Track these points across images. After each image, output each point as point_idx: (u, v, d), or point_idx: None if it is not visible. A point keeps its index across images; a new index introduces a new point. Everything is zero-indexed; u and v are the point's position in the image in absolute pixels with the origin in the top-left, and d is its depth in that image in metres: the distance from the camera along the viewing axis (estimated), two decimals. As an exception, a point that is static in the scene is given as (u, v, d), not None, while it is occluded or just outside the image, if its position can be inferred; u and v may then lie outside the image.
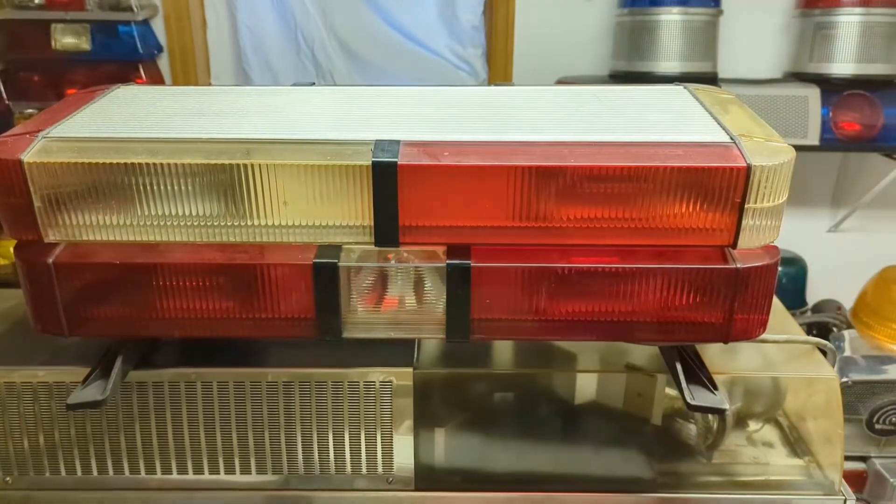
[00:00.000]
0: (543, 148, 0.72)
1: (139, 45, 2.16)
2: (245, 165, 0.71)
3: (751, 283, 0.74)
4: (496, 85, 0.91)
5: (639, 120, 0.79)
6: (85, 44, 2.17)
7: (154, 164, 0.71)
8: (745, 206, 0.71)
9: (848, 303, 2.07)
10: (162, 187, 0.72)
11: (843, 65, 2.03)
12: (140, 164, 0.71)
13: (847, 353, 1.92)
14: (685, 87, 0.88)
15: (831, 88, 2.04)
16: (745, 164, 0.69)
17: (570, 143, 0.72)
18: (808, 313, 2.36)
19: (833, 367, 0.89)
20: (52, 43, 2.17)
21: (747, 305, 0.75)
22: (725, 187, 0.70)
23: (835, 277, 2.36)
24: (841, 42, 2.02)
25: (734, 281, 0.73)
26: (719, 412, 0.76)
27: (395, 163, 0.70)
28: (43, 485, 0.88)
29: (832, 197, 2.42)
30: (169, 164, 0.71)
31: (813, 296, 2.37)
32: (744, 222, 0.71)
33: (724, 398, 0.76)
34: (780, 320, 0.94)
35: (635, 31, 2.08)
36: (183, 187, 0.72)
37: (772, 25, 2.16)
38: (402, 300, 0.76)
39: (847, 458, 1.89)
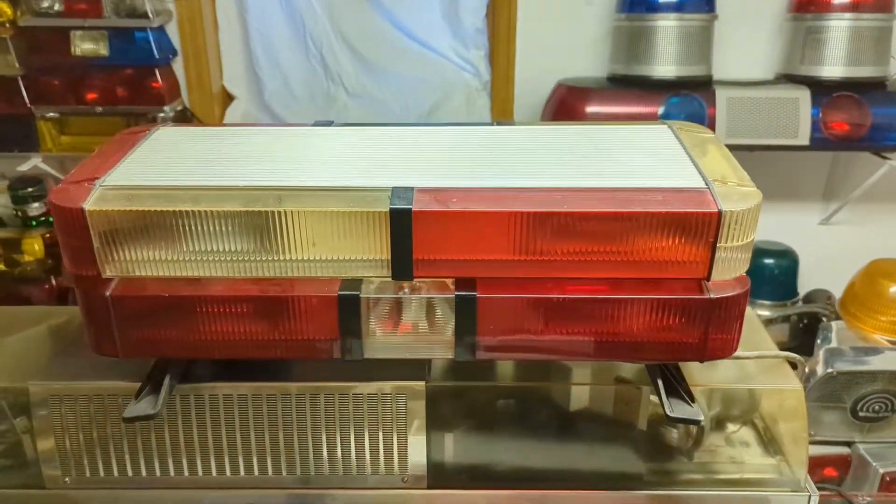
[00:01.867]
0: (540, 194, 0.82)
1: (155, 50, 2.24)
2: (277, 212, 0.81)
3: (723, 309, 0.84)
4: (499, 124, 1.01)
5: (625, 163, 0.88)
6: (103, 49, 2.26)
7: (197, 212, 0.81)
8: (717, 244, 0.80)
9: (839, 293, 2.16)
10: (203, 228, 0.82)
11: (833, 67, 2.11)
12: (185, 211, 0.81)
13: (834, 343, 2.02)
14: (669, 127, 0.98)
15: (821, 90, 2.12)
16: (716, 210, 0.79)
17: (563, 190, 0.82)
18: (800, 303, 2.46)
19: (801, 377, 0.99)
20: (72, 49, 2.25)
21: (720, 329, 0.85)
22: (700, 229, 0.80)
23: (826, 269, 2.45)
24: (831, 46, 2.09)
25: (708, 308, 0.83)
26: (695, 423, 0.86)
27: (410, 209, 0.80)
28: (97, 484, 0.99)
29: (823, 192, 2.50)
30: (210, 211, 0.81)
31: (805, 286, 2.47)
32: (716, 258, 0.81)
33: (700, 410, 0.86)
34: (755, 334, 1.04)
35: (633, 35, 2.15)
36: (222, 228, 0.82)
37: (764, 29, 2.23)
38: (416, 325, 0.87)
39: (833, 444, 2.01)
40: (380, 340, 0.87)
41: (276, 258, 0.84)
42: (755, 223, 0.82)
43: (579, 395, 0.99)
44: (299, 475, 0.98)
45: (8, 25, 2.28)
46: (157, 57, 2.26)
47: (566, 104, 2.17)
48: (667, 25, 2.10)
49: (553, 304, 0.84)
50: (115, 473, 0.98)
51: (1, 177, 2.40)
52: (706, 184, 0.82)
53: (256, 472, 0.98)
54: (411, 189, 0.82)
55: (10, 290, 2.38)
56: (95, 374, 0.95)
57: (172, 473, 0.98)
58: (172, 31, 2.34)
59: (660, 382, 0.89)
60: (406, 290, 0.85)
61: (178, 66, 2.38)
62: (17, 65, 2.31)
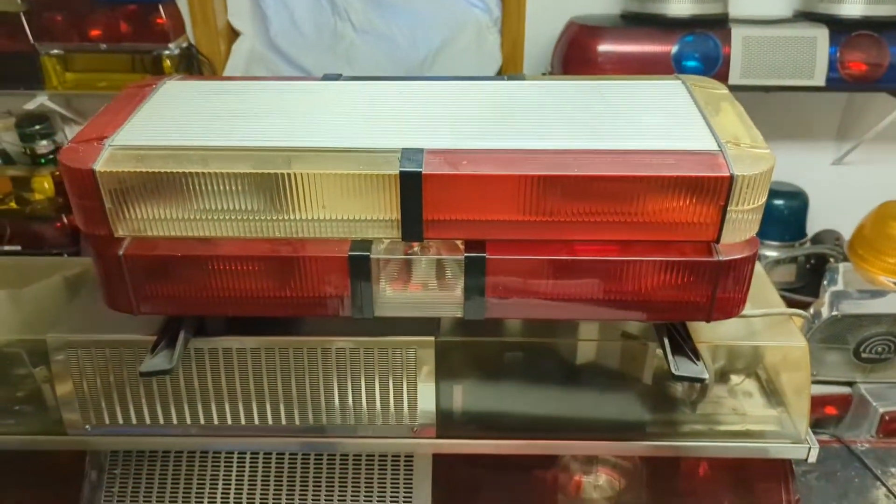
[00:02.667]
0: (551, 156, 0.81)
1: (157, -15, 2.19)
2: (287, 174, 0.81)
3: (731, 271, 0.84)
4: (510, 78, 0.99)
5: (637, 123, 0.87)
6: (106, -16, 2.20)
7: (207, 173, 0.81)
8: (728, 208, 0.80)
9: (849, 235, 2.15)
10: (213, 189, 0.83)
11: (852, 5, 2.05)
12: (195, 172, 0.81)
13: (840, 286, 2.03)
14: (683, 83, 0.96)
15: (840, 28, 2.06)
16: (728, 174, 0.78)
17: (574, 152, 0.82)
18: (808, 244, 2.46)
19: (806, 332, 1.00)
20: (75, -17, 2.20)
21: (727, 290, 0.85)
22: (711, 193, 0.80)
23: (836, 210, 2.44)
24: (852, -19, 2.03)
25: (717, 270, 0.84)
26: (700, 381, 0.88)
27: (420, 172, 0.79)
28: (116, 431, 1.02)
29: (837, 132, 2.47)
30: (220, 173, 0.81)
31: (815, 227, 2.46)
32: (726, 221, 0.81)
33: (705, 369, 0.88)
34: (763, 291, 1.04)
35: (648, -30, 2.09)
36: (232, 189, 0.83)
37: (784, -36, 2.16)
38: (426, 285, 0.87)
39: (834, 384, 2.04)
40: (390, 299, 0.88)
41: (286, 218, 0.84)
42: (767, 186, 0.81)
43: (586, 350, 1.01)
44: (312, 424, 1.01)
45: (8, -41, 2.22)
46: (161, -9, 2.20)
47: (578, 43, 2.12)
48: (683, -40, 2.03)
49: (563, 264, 0.85)
50: (134, 421, 1.01)
51: (7, 114, 2.39)
52: (719, 146, 0.82)
53: (270, 421, 1.01)
54: (421, 150, 0.82)
55: (22, 229, 2.40)
56: (111, 325, 0.97)
57: (189, 422, 1.01)
58: (175, -36, 2.28)
59: (666, 342, 0.90)
60: (416, 250, 0.86)
61: (182, 2, 2.32)
62: (19, 1, 2.27)
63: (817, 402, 2.05)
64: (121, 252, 0.85)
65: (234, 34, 2.37)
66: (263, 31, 2.32)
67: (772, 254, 2.40)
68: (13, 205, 2.40)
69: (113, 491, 1.05)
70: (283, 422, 1.01)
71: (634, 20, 2.13)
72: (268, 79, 1.09)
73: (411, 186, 0.80)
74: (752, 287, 0.90)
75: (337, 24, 2.29)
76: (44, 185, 2.40)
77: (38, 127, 2.35)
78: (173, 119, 0.89)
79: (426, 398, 0.99)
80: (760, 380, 1.08)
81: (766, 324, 1.01)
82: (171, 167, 0.81)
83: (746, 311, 0.93)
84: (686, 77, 0.98)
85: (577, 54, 2.12)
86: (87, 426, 1.02)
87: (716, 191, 0.79)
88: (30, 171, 2.37)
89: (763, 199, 0.82)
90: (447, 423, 1.01)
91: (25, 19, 2.24)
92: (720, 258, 0.83)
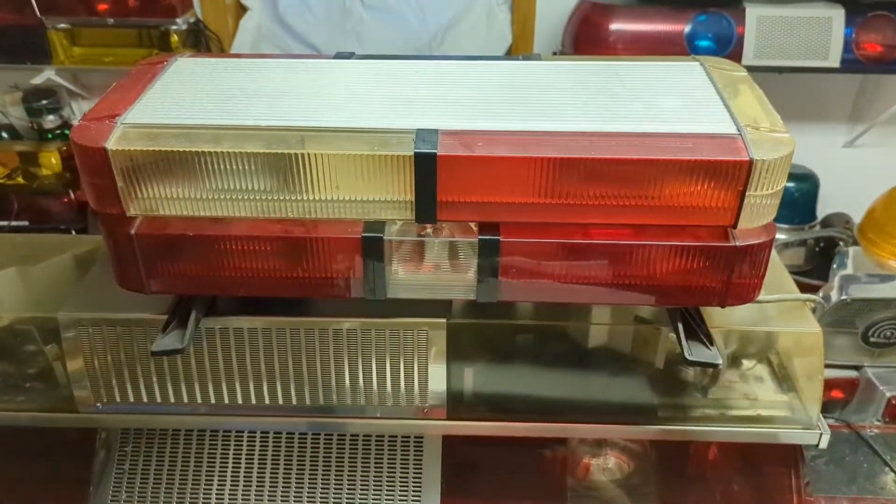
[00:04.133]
0: (567, 138, 0.80)
1: (167, -41, 2.17)
2: (301, 154, 0.80)
3: (748, 257, 0.83)
4: (524, 58, 0.98)
5: (654, 105, 0.86)
6: (113, -42, 2.18)
7: (219, 153, 0.80)
8: (747, 192, 0.79)
9: (859, 218, 2.13)
10: (225, 168, 0.82)
11: (869, -15, 2.02)
12: (207, 151, 0.80)
13: (849, 269, 2.02)
14: (701, 64, 0.95)
15: (856, 8, 2.03)
16: (748, 159, 0.77)
17: (590, 134, 0.80)
18: (817, 227, 2.44)
19: (819, 319, 1.00)
20: (81, -43, 2.18)
21: (743, 276, 0.85)
22: (730, 177, 0.79)
23: (847, 193, 2.42)
24: (870, -39, 1.99)
25: (733, 256, 0.83)
26: (714, 366, 0.87)
27: (435, 154, 0.79)
28: (126, 408, 1.02)
29: (850, 114, 2.44)
30: (232, 153, 0.80)
31: (825, 210, 2.45)
32: (744, 206, 0.80)
33: (718, 354, 0.87)
34: (778, 276, 1.03)
35: (663, -52, 2.06)
36: (244, 168, 0.82)
37: (801, -58, 2.12)
38: (439, 267, 0.87)
39: (842, 367, 2.04)
40: (402, 281, 0.88)
41: (299, 198, 0.83)
42: (786, 171, 0.80)
43: (598, 334, 1.00)
44: (322, 404, 1.01)
45: (14, -70, 2.20)
46: (171, -35, 2.18)
47: (590, 21, 2.10)
48: (698, -62, 2.00)
49: (577, 248, 0.84)
50: (145, 399, 1.01)
51: (14, 88, 2.38)
52: (738, 130, 0.80)
53: (280, 401, 1.01)
54: (436, 132, 0.81)
55: (29, 204, 2.40)
56: (122, 303, 0.97)
57: (199, 400, 1.01)
58: (183, -63, 2.25)
59: (680, 326, 0.89)
60: (429, 231, 0.85)
61: (190, -26, 2.30)
62: (24, -28, 2.24)
63: (824, 386, 2.05)
64: (132, 231, 0.84)
65: (241, 10, 2.35)
66: (272, 7, 2.30)
67: (781, 236, 2.39)
68: (20, 180, 2.39)
69: (123, 468, 1.05)
70: (294, 402, 1.01)
71: (647, -1, 2.10)
72: (280, 57, 1.08)
73: (426, 168, 0.80)
74: (768, 273, 0.89)
75: (346, 0, 2.27)
76: (51, 160, 2.39)
77: (44, 102, 2.34)
78: (185, 97, 0.88)
79: (437, 379, 0.98)
80: (772, 365, 1.07)
81: (779, 309, 1.00)
82: (184, 146, 0.80)
83: (762, 297, 0.92)
84: (704, 58, 0.96)
85: (588, 33, 2.09)
86: (97, 404, 1.02)
87: (734, 175, 0.78)
88: (37, 146, 2.36)
89: (782, 184, 0.81)
90: (457, 404, 1.01)
91: (37, 4, 2.23)
92: (737, 243, 0.82)
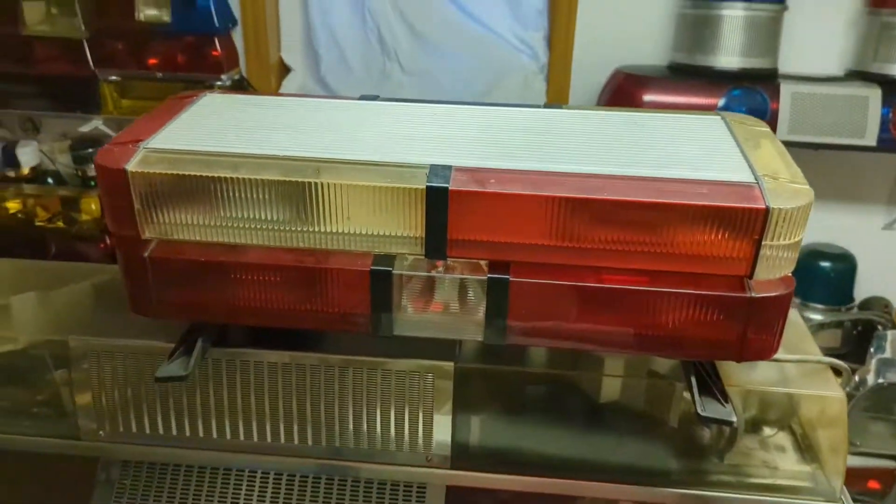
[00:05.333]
0: (580, 179, 0.80)
1: (216, 19, 2.27)
2: (315, 183, 0.81)
3: (765, 310, 0.81)
4: (547, 106, 0.99)
5: (672, 154, 0.85)
6: (165, 16, 2.29)
7: (236, 179, 0.81)
8: (763, 242, 0.77)
9: (900, 303, 2.08)
10: (241, 195, 0.83)
11: (907, 66, 2.02)
12: (224, 177, 0.81)
13: (888, 353, 1.95)
14: (722, 118, 0.94)
15: (893, 89, 2.03)
16: (764, 206, 0.76)
17: (604, 177, 0.80)
18: (855, 309, 2.38)
19: (845, 385, 0.96)
20: (136, 14, 2.29)
21: (760, 330, 0.82)
22: (745, 225, 0.77)
23: (886, 276, 2.36)
24: (907, 42, 2.00)
25: (749, 308, 0.80)
26: (727, 424, 0.84)
27: (447, 188, 0.79)
28: (130, 439, 1.01)
29: (889, 196, 2.41)
30: (248, 179, 0.81)
31: (862, 293, 2.39)
32: (760, 257, 0.78)
33: (733, 411, 0.84)
34: (800, 338, 1.00)
35: (697, 23, 2.09)
36: (260, 196, 0.83)
37: (837, 23, 2.14)
38: (447, 305, 0.86)
39: (879, 457, 1.95)
40: (410, 318, 0.87)
41: (311, 230, 0.84)
42: (804, 222, 0.78)
43: (610, 387, 0.97)
44: (325, 446, 0.99)
45: (76, -12, 2.32)
46: (218, 26, 2.28)
47: (623, 91, 2.12)
48: (733, 15, 2.03)
49: (587, 292, 0.82)
50: (148, 430, 1.00)
51: (63, 136, 2.47)
52: (755, 178, 0.79)
53: (283, 440, 0.99)
54: (449, 168, 0.81)
55: (67, 247, 2.46)
56: (135, 332, 0.97)
57: (202, 434, 1.00)
58: (234, 1, 2.36)
59: (693, 380, 0.86)
60: (439, 269, 0.85)
61: (237, 35, 2.40)
62: (83, 28, 2.36)
63: (859, 475, 1.95)
64: (146, 254, 0.85)
65: (285, 69, 2.44)
66: (314, 68, 2.38)
67: (817, 317, 2.33)
68: (60, 224, 2.46)
69: (122, 501, 1.03)
70: (296, 441, 0.99)
71: (681, 71, 2.12)
72: (306, 95, 1.11)
73: (437, 202, 0.80)
74: (790, 336, 0.86)
75: (385, 63, 2.34)
76: (91, 205, 2.46)
77: (90, 150, 2.42)
78: (208, 128, 0.91)
79: (442, 426, 0.96)
80: (794, 433, 1.03)
81: (802, 372, 0.96)
82: (201, 171, 0.82)
83: (781, 356, 0.89)
84: (726, 113, 0.96)
85: (622, 103, 2.11)
86: (100, 432, 1.01)
87: (750, 223, 0.77)
88: (79, 192, 2.44)
89: (800, 236, 0.79)
90: (462, 453, 0.98)
91: (88, 46, 2.34)
92: (753, 294, 0.80)
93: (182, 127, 0.91)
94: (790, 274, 0.82)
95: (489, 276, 0.83)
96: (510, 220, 0.80)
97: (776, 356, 0.86)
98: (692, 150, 0.86)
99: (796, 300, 2.08)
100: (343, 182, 0.81)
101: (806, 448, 1.01)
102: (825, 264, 2.34)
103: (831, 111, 2.04)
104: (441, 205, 0.80)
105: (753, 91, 2.07)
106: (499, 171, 0.81)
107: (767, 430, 1.03)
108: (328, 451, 0.99)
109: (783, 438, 1.03)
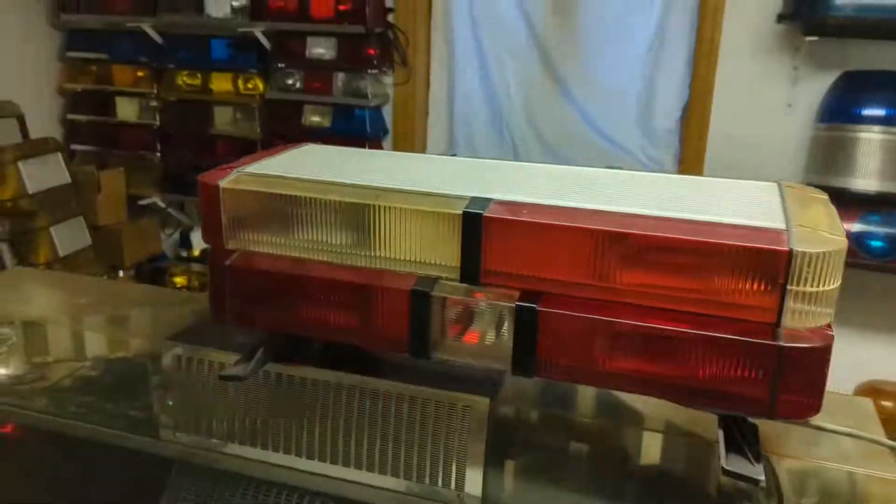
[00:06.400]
0: (614, 216, 0.84)
1: (368, 126, 2.54)
2: (373, 206, 0.90)
3: (796, 362, 0.78)
4: (607, 167, 1.04)
5: (712, 204, 0.87)
6: (326, 122, 2.59)
7: (303, 197, 0.93)
8: (788, 287, 0.76)
9: None
10: (310, 215, 0.94)
11: None
12: (292, 195, 0.93)
13: None
14: (778, 185, 0.95)
15: None
16: (786, 249, 0.76)
17: (634, 215, 0.83)
18: None
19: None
20: (303, 119, 2.62)
21: (794, 386, 0.79)
22: (768, 268, 0.77)
23: None
24: None
25: (778, 358, 0.78)
26: (754, 483, 0.79)
27: (481, 214, 0.85)
28: (198, 444, 1.10)
29: None
30: (315, 199, 0.93)
31: None
32: (787, 303, 0.77)
33: (762, 471, 0.80)
34: (864, 418, 0.93)
35: (832, 146, 2.06)
36: (324, 218, 0.93)
37: None
38: (481, 333, 0.90)
39: None
40: (445, 342, 0.91)
41: (368, 252, 0.93)
42: (837, 271, 0.77)
43: (651, 442, 0.95)
44: (364, 470, 1.02)
45: (258, 97, 2.70)
46: (370, 132, 2.55)
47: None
48: (870, 138, 1.98)
49: (614, 329, 0.84)
50: (214, 437, 1.09)
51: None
52: (786, 226, 0.79)
53: (317, 458, 1.03)
54: (489, 199, 0.88)
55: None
56: (217, 345, 1.08)
57: (259, 447, 1.07)
58: (388, 112, 2.63)
59: (720, 433, 0.83)
60: (474, 296, 0.90)
61: (388, 143, 2.65)
62: (258, 130, 2.72)
63: None
64: (228, 262, 0.98)
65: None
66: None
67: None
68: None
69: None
70: (328, 460, 1.03)
71: (812, 192, 2.07)
72: (396, 153, 1.23)
73: (473, 229, 0.86)
74: (853, 414, 0.82)
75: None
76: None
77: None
78: (298, 164, 1.04)
79: (474, 465, 0.97)
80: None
81: (865, 452, 0.89)
82: (274, 189, 0.94)
83: (833, 426, 0.84)
84: (784, 181, 0.96)
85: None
86: (176, 434, 1.11)
87: (772, 266, 0.77)
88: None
89: (832, 285, 0.77)
90: (494, 497, 0.98)
91: (260, 145, 2.68)
92: (782, 343, 0.78)
93: (277, 162, 1.05)
94: (828, 328, 0.79)
95: (518, 304, 0.87)
96: (539, 249, 0.85)
97: (831, 427, 0.81)
98: (735, 203, 0.88)
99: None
100: (393, 205, 0.90)
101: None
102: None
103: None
104: (475, 232, 0.86)
105: (891, 215, 1.97)
106: (535, 205, 0.87)
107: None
108: (363, 477, 1.02)
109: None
